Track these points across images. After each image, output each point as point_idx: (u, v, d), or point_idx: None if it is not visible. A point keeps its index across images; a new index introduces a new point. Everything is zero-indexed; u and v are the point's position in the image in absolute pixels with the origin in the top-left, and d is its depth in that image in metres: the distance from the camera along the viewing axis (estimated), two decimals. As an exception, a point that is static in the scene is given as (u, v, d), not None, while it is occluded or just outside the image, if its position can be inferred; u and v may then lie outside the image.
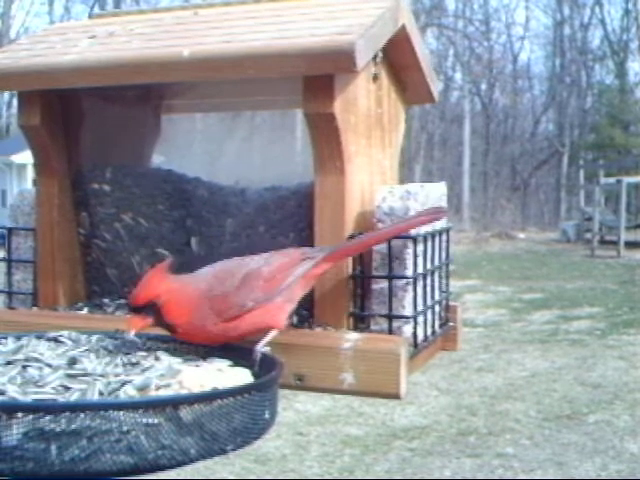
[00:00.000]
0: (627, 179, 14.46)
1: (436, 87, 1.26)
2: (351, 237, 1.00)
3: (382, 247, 1.01)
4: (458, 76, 25.37)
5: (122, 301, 1.16)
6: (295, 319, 1.00)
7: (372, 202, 1.04)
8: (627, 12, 25.43)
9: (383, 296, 1.01)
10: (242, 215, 1.11)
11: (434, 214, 1.00)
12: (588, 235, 14.42)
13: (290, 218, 1.08)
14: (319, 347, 0.94)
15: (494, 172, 24.51)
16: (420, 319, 1.04)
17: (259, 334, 0.89)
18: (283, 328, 0.90)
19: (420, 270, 1.04)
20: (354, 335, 0.96)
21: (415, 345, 1.01)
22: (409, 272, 1.00)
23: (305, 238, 1.04)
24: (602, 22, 25.80)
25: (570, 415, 4.09)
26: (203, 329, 0.87)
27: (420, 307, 1.04)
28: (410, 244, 1.00)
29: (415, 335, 1.01)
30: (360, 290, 1.03)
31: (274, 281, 0.89)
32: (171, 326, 0.87)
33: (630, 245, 13.52)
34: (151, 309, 0.86)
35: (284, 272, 0.90)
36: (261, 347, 0.86)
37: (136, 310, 0.87)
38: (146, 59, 1.02)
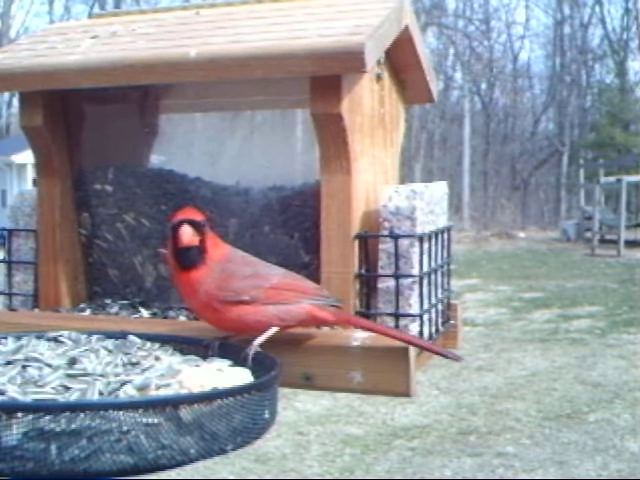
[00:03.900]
0: (627, 178, 14.46)
1: (435, 87, 1.26)
2: (358, 237, 1.00)
3: (388, 246, 1.01)
4: (458, 75, 25.36)
5: (125, 302, 1.16)
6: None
7: (376, 201, 1.05)
8: (627, 11, 25.42)
9: (389, 295, 1.01)
10: (246, 215, 1.11)
11: (446, 353, 0.93)
12: (588, 234, 14.42)
13: (295, 218, 1.08)
14: (327, 346, 0.94)
15: (494, 171, 24.49)
16: (426, 317, 1.05)
17: (242, 332, 0.90)
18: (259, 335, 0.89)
19: (425, 269, 1.04)
20: (362, 334, 0.96)
21: None
22: (415, 271, 1.01)
23: (310, 238, 1.05)
24: (602, 21, 25.78)
25: (570, 414, 4.09)
26: (201, 290, 0.89)
27: (426, 305, 1.04)
28: (417, 242, 1.01)
29: (421, 333, 1.02)
30: (366, 289, 1.03)
31: (278, 291, 0.90)
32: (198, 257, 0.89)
33: (630, 244, 13.52)
34: (200, 227, 0.90)
35: (292, 292, 0.90)
36: (258, 343, 0.87)
37: (190, 223, 0.89)
38: (153, 59, 1.02)
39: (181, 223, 0.89)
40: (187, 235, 0.88)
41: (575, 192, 20.50)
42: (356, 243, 1.00)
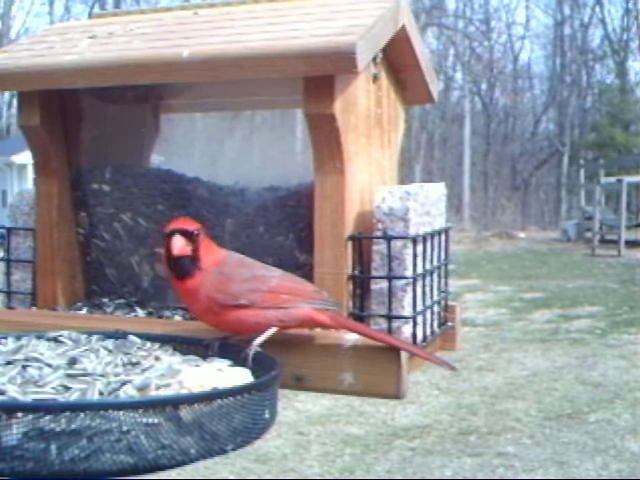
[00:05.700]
0: (627, 178, 14.47)
1: (435, 87, 1.26)
2: (351, 238, 1.00)
3: (382, 247, 1.01)
4: (458, 76, 25.36)
5: (121, 301, 1.16)
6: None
7: (372, 202, 1.04)
8: (627, 11, 25.42)
9: (382, 296, 1.01)
10: (242, 215, 1.11)
11: (441, 363, 0.93)
12: (589, 234, 14.42)
13: (289, 218, 1.08)
14: (318, 347, 0.94)
15: (494, 172, 24.49)
16: (419, 319, 1.04)
17: (242, 334, 0.90)
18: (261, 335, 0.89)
19: (419, 270, 1.03)
20: (354, 335, 0.96)
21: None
22: (409, 272, 1.00)
23: (305, 238, 1.04)
24: (602, 22, 25.78)
25: (571, 414, 4.09)
26: (201, 295, 0.89)
27: (419, 307, 1.04)
28: (410, 244, 1.00)
29: (414, 335, 1.01)
30: (359, 290, 1.03)
31: (276, 295, 0.90)
32: (192, 265, 0.89)
33: (630, 244, 13.53)
34: (193, 237, 0.89)
35: (290, 295, 0.90)
36: (258, 343, 0.87)
37: (182, 233, 0.89)
38: (147, 59, 1.02)
39: (173, 233, 0.89)
40: (178, 245, 0.88)
41: (575, 192, 20.51)
42: (349, 244, 1.00)
